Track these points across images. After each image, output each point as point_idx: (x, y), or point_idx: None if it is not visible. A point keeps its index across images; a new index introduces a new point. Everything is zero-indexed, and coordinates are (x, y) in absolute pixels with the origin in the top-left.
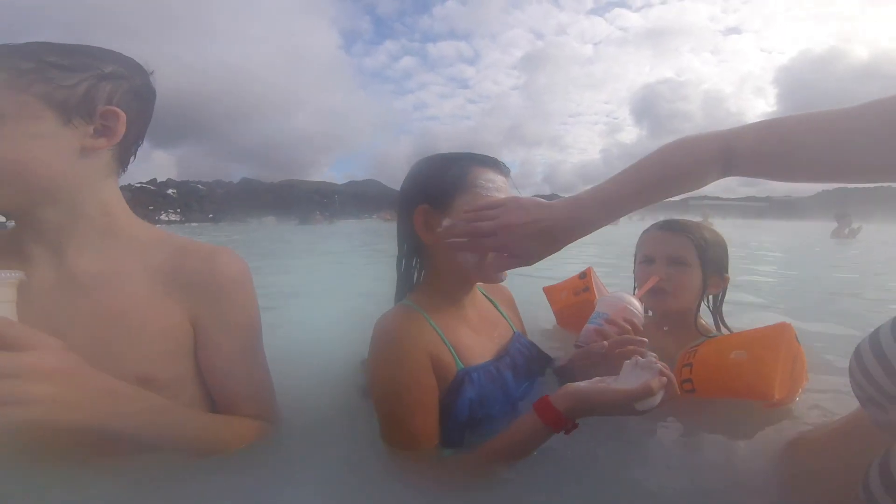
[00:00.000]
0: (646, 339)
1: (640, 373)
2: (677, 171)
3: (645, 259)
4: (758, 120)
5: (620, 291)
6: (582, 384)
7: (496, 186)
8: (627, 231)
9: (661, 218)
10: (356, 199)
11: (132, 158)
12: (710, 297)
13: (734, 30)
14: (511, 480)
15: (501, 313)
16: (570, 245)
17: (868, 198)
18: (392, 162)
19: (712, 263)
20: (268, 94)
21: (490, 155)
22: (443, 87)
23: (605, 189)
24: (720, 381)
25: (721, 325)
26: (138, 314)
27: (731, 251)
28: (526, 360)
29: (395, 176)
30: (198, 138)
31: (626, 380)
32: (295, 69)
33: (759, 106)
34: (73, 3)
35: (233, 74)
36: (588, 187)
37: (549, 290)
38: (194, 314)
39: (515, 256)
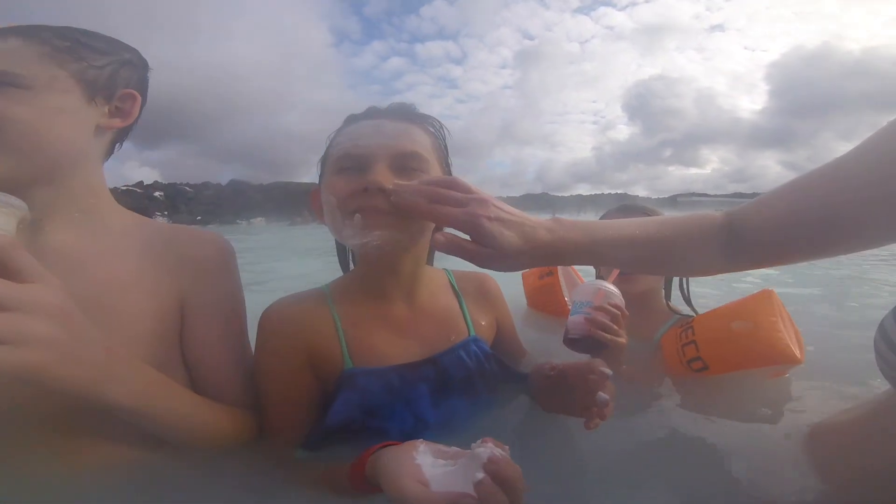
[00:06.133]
0: (609, 373)
1: (461, 472)
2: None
3: None
4: (748, 115)
5: (593, 280)
6: (413, 454)
7: (352, 134)
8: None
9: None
10: None
11: (118, 147)
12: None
13: (718, 27)
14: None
15: (464, 311)
16: None
17: None
18: None
19: None
20: (257, 93)
21: (480, 153)
22: (432, 87)
23: (591, 222)
24: (735, 354)
25: (689, 304)
26: (124, 293)
27: None
28: (467, 374)
29: None
30: (185, 139)
31: (449, 475)
32: (286, 67)
33: (748, 103)
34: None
35: (221, 72)
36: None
37: (524, 273)
38: (182, 295)
39: (479, 241)
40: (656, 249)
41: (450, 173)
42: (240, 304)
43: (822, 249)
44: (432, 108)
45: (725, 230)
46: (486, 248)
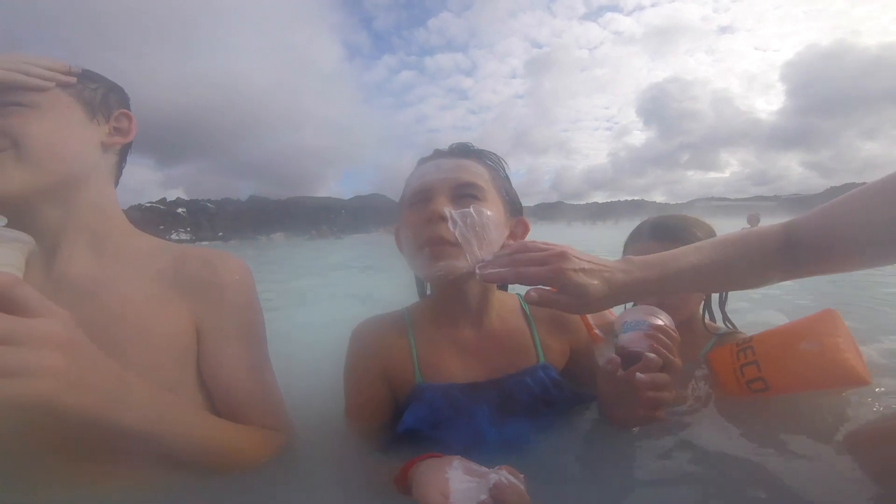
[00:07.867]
0: (653, 356)
1: (476, 491)
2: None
3: None
4: (766, 116)
5: (643, 305)
6: (446, 468)
7: (418, 174)
8: (604, 235)
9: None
10: (362, 213)
11: (119, 174)
12: (714, 295)
13: (728, 29)
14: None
15: (534, 337)
16: None
17: None
18: (397, 176)
19: None
20: (273, 108)
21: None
22: (443, 98)
23: (658, 256)
24: (800, 375)
25: (727, 322)
26: (139, 318)
27: None
28: (531, 399)
29: (400, 190)
30: (204, 156)
31: (467, 492)
32: (300, 82)
33: (766, 104)
34: (74, 18)
35: (238, 89)
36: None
37: None
38: (197, 319)
39: (568, 293)
40: (720, 272)
41: (511, 200)
42: (257, 324)
43: (884, 257)
44: (444, 119)
45: (783, 244)
46: (576, 299)
